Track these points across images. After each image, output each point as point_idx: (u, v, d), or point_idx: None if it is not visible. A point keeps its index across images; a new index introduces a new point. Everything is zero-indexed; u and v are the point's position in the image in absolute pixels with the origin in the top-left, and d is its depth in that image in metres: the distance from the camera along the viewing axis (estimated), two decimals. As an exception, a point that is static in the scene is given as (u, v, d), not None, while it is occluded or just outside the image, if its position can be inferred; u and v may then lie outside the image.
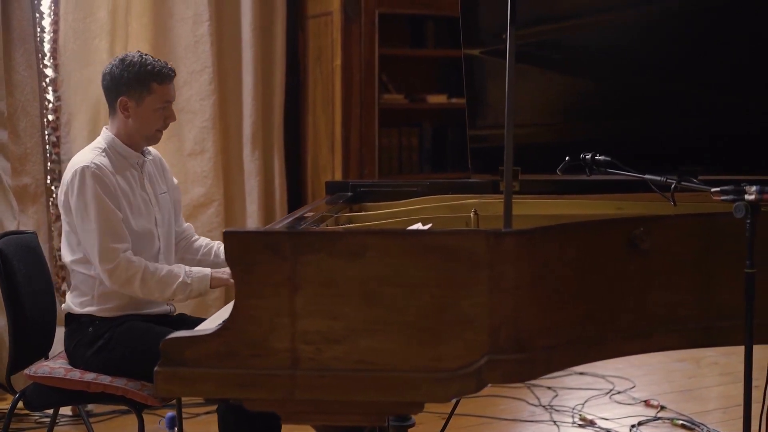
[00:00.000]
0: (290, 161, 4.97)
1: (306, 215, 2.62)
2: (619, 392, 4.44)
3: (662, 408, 4.18)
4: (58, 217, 4.34)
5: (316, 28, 4.88)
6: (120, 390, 2.80)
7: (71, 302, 2.96)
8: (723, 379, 4.65)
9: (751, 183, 2.21)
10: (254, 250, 2.03)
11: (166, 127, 2.98)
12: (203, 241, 3.22)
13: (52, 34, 4.31)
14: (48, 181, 4.34)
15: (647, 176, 2.54)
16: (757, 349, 2.34)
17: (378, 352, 2.01)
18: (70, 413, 4.01)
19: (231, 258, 2.05)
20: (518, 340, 2.07)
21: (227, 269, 2.82)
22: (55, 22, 4.31)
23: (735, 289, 2.25)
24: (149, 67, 2.88)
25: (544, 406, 4.23)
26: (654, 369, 4.82)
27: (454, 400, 2.94)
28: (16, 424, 3.89)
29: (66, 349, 2.97)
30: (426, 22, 5.10)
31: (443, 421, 3.21)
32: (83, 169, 2.81)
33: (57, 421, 3.85)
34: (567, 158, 2.76)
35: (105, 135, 2.97)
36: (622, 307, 2.28)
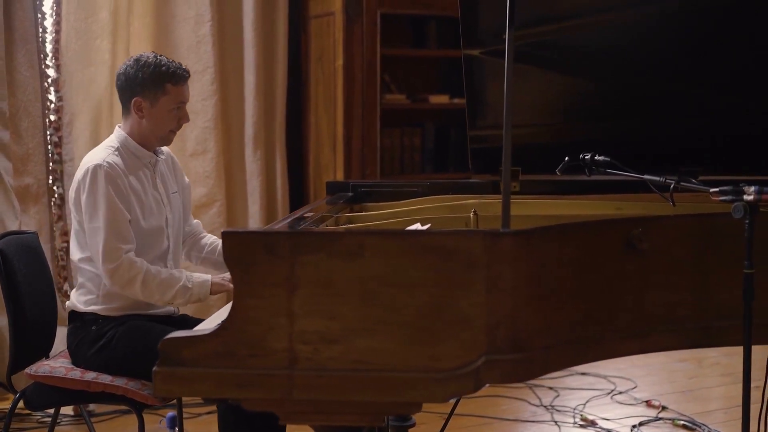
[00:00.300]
0: (292, 161, 4.98)
1: (306, 215, 2.62)
2: (620, 392, 4.44)
3: (663, 408, 4.18)
4: (59, 217, 4.35)
5: (317, 28, 4.89)
6: (120, 389, 2.81)
7: (76, 300, 2.96)
8: (724, 379, 4.65)
9: (750, 183, 2.21)
10: (252, 250, 2.03)
11: (179, 128, 2.99)
12: (210, 238, 3.23)
13: (54, 35, 4.31)
14: (50, 182, 4.34)
15: (646, 176, 2.54)
16: (759, 349, 2.35)
17: (376, 352, 2.01)
18: (71, 413, 4.02)
19: (229, 258, 2.06)
20: (516, 340, 2.07)
21: (228, 274, 2.83)
22: (57, 23, 4.31)
23: (733, 290, 2.25)
24: (164, 68, 2.88)
25: (545, 407, 4.23)
26: (656, 369, 4.82)
27: (453, 400, 2.95)
28: (19, 424, 3.90)
29: (68, 347, 2.98)
30: (428, 22, 5.10)
31: (444, 421, 3.20)
32: (96, 168, 2.82)
33: (58, 421, 3.87)
34: (566, 158, 2.76)
35: (118, 134, 2.97)
36: (620, 307, 2.28)
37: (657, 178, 2.50)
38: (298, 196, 4.98)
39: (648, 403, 4.26)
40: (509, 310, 2.05)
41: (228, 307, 2.16)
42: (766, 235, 2.31)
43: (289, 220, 2.55)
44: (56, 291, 4.05)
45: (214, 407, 3.31)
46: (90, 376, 2.84)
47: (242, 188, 4.81)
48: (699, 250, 2.38)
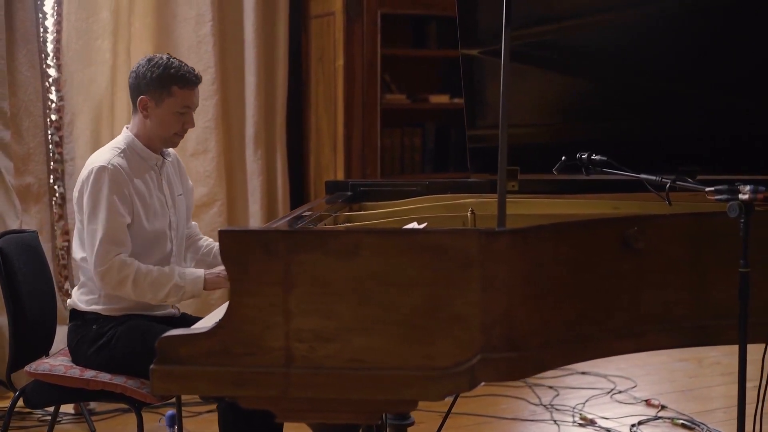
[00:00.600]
0: (293, 161, 4.99)
1: (304, 214, 2.63)
2: (620, 392, 4.44)
3: (663, 407, 4.19)
4: (60, 217, 4.36)
5: (318, 28, 4.90)
6: (119, 387, 2.82)
7: (77, 299, 2.97)
8: (725, 378, 4.65)
9: (745, 182, 2.21)
10: (249, 249, 2.04)
11: (184, 132, 2.97)
12: (205, 241, 3.24)
13: (55, 35, 4.33)
14: (51, 181, 4.36)
15: (643, 176, 2.54)
16: (757, 348, 2.35)
17: (371, 351, 2.01)
18: (72, 411, 4.03)
19: (226, 257, 2.06)
20: (511, 338, 2.07)
21: (221, 267, 2.84)
22: (58, 23, 4.33)
23: (729, 289, 2.25)
24: (173, 69, 2.87)
25: (544, 406, 4.24)
26: (656, 369, 4.82)
27: (450, 399, 2.96)
28: (20, 422, 3.91)
29: (68, 345, 2.99)
30: (428, 22, 5.11)
31: (441, 419, 3.21)
32: (100, 169, 2.82)
33: (59, 419, 3.88)
34: (563, 158, 2.76)
35: (125, 135, 2.97)
36: (616, 306, 2.28)
37: (653, 178, 2.51)
38: (298, 196, 4.99)
39: (647, 403, 4.26)
40: (504, 309, 2.06)
41: (225, 306, 2.17)
42: (761, 234, 2.31)
43: (287, 219, 2.56)
44: (57, 290, 4.07)
45: (213, 406, 3.32)
46: (89, 374, 2.85)
47: (243, 188, 4.82)
48: (695, 249, 2.38)
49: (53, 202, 4.37)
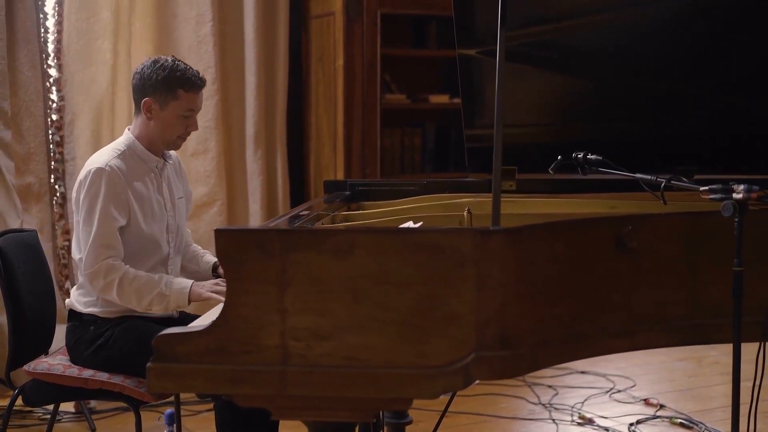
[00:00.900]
0: (293, 161, 5.00)
1: (302, 213, 2.64)
2: (619, 391, 4.45)
3: (662, 407, 4.19)
4: (61, 216, 4.38)
5: (318, 28, 4.91)
6: (117, 386, 2.83)
7: (75, 300, 2.97)
8: (724, 378, 4.65)
9: (740, 182, 2.22)
10: (244, 247, 2.05)
11: (187, 135, 2.97)
12: (196, 248, 3.23)
13: (55, 35, 4.35)
14: (51, 180, 4.38)
15: (638, 175, 2.55)
16: (753, 347, 2.36)
17: (366, 349, 2.02)
18: (72, 410, 4.04)
19: (222, 255, 2.08)
20: (505, 337, 2.08)
21: (209, 284, 2.84)
22: (59, 23, 4.35)
23: (724, 288, 2.26)
24: (179, 72, 2.85)
25: (543, 405, 4.24)
26: (655, 368, 4.83)
27: (448, 396, 2.96)
28: (20, 421, 3.92)
29: (66, 345, 3.00)
30: (428, 22, 5.13)
31: (438, 418, 3.22)
32: (97, 171, 2.82)
33: (60, 418, 3.90)
34: (559, 157, 2.77)
35: (126, 136, 2.95)
36: (610, 305, 2.28)
37: (648, 177, 2.51)
38: (298, 196, 5.00)
39: (646, 402, 4.27)
40: (499, 308, 2.06)
41: (222, 305, 2.18)
42: (755, 233, 2.32)
43: (284, 218, 2.57)
44: (57, 289, 4.09)
45: (212, 405, 3.33)
46: (87, 373, 2.87)
47: (243, 188, 4.83)
48: (689, 249, 2.38)
49: (54, 202, 4.39)
